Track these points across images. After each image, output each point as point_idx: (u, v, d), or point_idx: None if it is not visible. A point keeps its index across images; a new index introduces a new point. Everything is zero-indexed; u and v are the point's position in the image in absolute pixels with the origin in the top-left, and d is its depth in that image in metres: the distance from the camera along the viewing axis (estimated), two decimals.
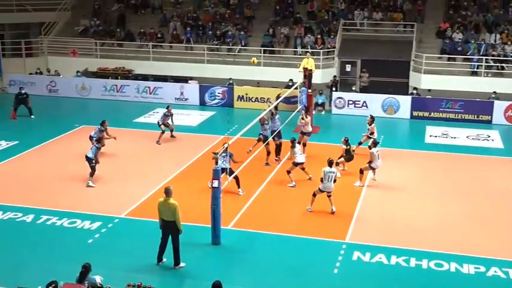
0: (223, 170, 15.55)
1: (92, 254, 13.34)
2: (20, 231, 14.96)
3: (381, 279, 12.98)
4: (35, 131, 24.01)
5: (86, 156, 17.96)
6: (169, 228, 12.96)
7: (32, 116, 25.76)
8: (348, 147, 19.29)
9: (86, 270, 10.55)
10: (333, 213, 16.17)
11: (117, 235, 14.86)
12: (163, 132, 22.39)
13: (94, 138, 19.27)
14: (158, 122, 22.64)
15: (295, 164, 18.28)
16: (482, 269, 13.34)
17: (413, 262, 13.64)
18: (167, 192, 12.96)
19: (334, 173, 16.23)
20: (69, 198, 17.05)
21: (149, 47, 31.67)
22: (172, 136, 22.74)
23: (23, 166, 19.72)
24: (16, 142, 21.97)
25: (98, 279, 10.52)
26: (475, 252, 14.08)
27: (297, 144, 18.62)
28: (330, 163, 16.23)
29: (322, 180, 16.17)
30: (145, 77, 31.34)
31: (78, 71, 31.00)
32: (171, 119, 22.71)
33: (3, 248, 14.01)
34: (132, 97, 29.61)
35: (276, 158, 20.22)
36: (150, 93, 29.52)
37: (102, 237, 14.70)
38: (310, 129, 20.93)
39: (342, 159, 19.22)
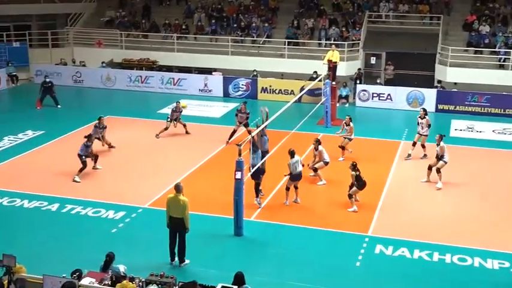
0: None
1: (115, 243, 13.53)
2: (45, 220, 15.18)
3: (403, 273, 12.92)
4: (61, 121, 24.24)
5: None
6: (177, 226, 12.73)
7: (59, 106, 26.05)
8: (358, 173, 15.94)
9: (109, 259, 10.69)
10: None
11: (140, 225, 15.00)
12: (166, 128, 21.84)
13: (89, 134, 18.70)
14: (167, 117, 22.30)
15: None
16: (507, 264, 13.23)
17: (436, 256, 13.55)
18: (177, 188, 12.70)
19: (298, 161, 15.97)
20: (94, 187, 17.25)
21: (174, 39, 31.79)
22: (187, 132, 22.22)
23: (49, 155, 19.96)
24: (42, 132, 22.24)
25: (122, 268, 10.61)
26: (498, 247, 13.94)
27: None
28: (292, 153, 15.93)
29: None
30: (169, 69, 31.49)
31: (103, 62, 31.23)
32: (179, 117, 22.17)
33: (29, 236, 14.24)
34: (156, 88, 29.74)
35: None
36: (174, 85, 29.63)
37: (126, 226, 14.86)
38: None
39: (354, 188, 15.97)
